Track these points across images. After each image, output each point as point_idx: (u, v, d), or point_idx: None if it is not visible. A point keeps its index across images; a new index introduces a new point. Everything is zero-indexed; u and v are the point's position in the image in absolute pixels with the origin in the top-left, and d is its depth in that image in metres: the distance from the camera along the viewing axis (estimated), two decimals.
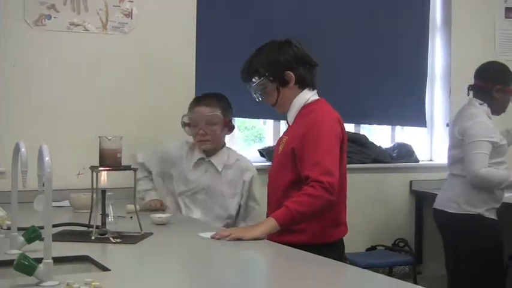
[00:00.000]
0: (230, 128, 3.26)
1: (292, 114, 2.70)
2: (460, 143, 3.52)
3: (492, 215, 3.52)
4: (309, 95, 2.69)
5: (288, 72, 2.65)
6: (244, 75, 2.73)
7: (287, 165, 2.63)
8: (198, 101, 3.25)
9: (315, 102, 2.69)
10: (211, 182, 3.19)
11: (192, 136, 3.21)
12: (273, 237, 2.46)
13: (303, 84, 2.69)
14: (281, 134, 4.37)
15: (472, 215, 3.49)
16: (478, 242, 3.48)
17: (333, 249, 2.60)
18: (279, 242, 2.40)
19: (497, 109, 3.62)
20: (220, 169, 3.19)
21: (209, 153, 3.22)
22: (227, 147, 3.29)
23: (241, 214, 3.24)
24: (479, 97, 3.60)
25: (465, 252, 3.52)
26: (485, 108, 3.56)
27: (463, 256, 3.54)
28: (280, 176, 2.68)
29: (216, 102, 3.19)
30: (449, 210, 3.57)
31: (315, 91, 2.72)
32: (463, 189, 3.52)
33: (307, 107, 2.68)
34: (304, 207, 2.45)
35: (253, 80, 2.67)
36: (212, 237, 2.39)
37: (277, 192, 2.66)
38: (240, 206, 3.23)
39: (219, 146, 3.23)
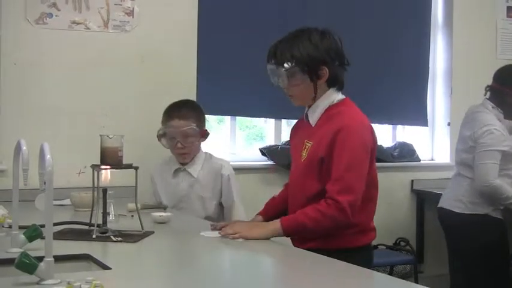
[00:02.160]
0: (205, 135, 3.28)
1: (316, 115, 2.51)
2: (471, 149, 3.51)
3: (498, 215, 3.52)
4: (334, 96, 2.51)
5: (324, 67, 2.45)
6: (274, 57, 2.48)
7: (313, 174, 2.44)
8: (170, 113, 3.22)
9: (340, 102, 2.51)
10: (189, 189, 3.24)
11: (169, 148, 3.24)
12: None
13: (333, 83, 2.50)
14: (283, 132, 4.42)
15: (480, 215, 3.49)
16: (484, 241, 3.48)
17: (359, 254, 2.42)
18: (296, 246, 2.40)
19: (509, 114, 3.55)
20: (196, 175, 3.23)
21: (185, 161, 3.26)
22: (203, 152, 3.31)
23: (226, 215, 3.23)
24: (493, 99, 3.55)
25: (470, 251, 3.52)
26: (497, 112, 3.53)
27: (468, 255, 3.54)
28: (304, 184, 2.48)
29: (190, 114, 3.21)
30: (456, 210, 3.56)
31: (340, 91, 2.54)
32: (470, 190, 3.52)
33: (332, 108, 2.49)
34: (311, 223, 2.34)
35: (286, 65, 2.43)
36: (214, 229, 2.43)
37: (301, 199, 2.48)
38: (221, 204, 3.24)
39: (196, 154, 3.27)
